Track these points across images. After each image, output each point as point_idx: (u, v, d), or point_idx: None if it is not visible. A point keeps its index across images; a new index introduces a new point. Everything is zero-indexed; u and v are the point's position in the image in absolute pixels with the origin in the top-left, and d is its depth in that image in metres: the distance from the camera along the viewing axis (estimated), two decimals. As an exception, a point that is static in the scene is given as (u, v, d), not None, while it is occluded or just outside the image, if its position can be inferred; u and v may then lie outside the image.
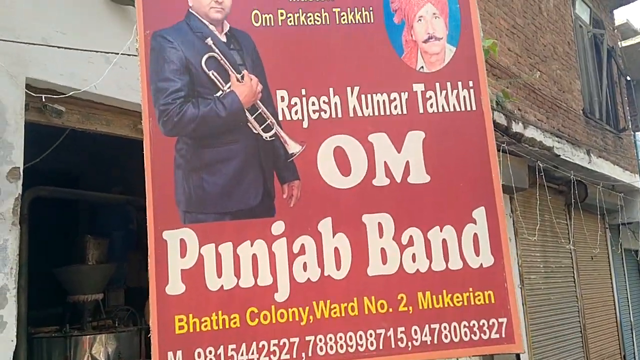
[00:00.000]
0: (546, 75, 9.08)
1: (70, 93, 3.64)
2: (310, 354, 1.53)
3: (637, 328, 13.16)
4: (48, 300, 7.29)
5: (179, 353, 1.51)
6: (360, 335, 1.54)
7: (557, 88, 9.34)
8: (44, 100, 3.63)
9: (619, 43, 11.97)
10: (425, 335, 1.55)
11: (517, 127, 7.44)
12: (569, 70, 9.90)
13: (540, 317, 9.00)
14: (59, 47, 3.71)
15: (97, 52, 3.85)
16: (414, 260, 1.58)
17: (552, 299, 9.51)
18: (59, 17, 3.76)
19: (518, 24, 8.63)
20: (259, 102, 1.63)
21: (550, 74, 9.24)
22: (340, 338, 1.54)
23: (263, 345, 1.52)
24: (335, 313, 1.55)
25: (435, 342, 1.55)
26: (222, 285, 1.54)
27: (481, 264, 1.59)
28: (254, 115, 1.62)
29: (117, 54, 3.74)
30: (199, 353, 1.51)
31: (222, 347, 1.52)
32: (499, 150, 6.99)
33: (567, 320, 9.94)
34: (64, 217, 8.14)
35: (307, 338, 1.53)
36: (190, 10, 1.63)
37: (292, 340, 1.53)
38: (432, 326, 1.55)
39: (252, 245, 1.56)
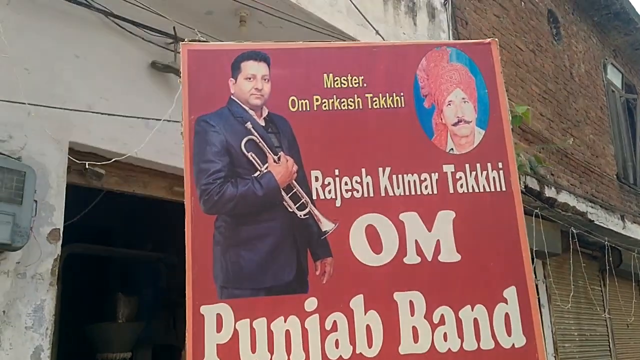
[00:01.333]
0: (579, 139, 9.08)
1: (113, 159, 3.79)
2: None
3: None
4: (78, 358, 7.33)
5: None
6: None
7: (590, 153, 9.32)
8: (87, 166, 3.79)
9: (652, 107, 11.94)
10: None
11: (550, 192, 7.41)
12: (602, 135, 9.89)
13: (576, 388, 8.70)
14: (102, 114, 3.89)
15: (138, 118, 4.03)
16: (445, 340, 1.60)
17: (587, 370, 9.21)
18: (103, 84, 3.96)
19: (550, 89, 8.71)
20: (294, 181, 1.70)
21: (583, 138, 9.25)
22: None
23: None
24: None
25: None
26: (255, 362, 1.58)
27: (513, 344, 1.60)
28: (290, 195, 1.69)
29: (159, 120, 3.90)
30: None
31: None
32: (531, 215, 6.94)
33: (604, 391, 9.58)
34: (96, 274, 8.27)
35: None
36: (232, 97, 1.73)
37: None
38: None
39: (285, 322, 1.60)
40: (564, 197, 7.64)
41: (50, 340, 3.66)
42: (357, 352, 1.58)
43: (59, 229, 3.74)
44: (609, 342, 9.86)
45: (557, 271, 8.43)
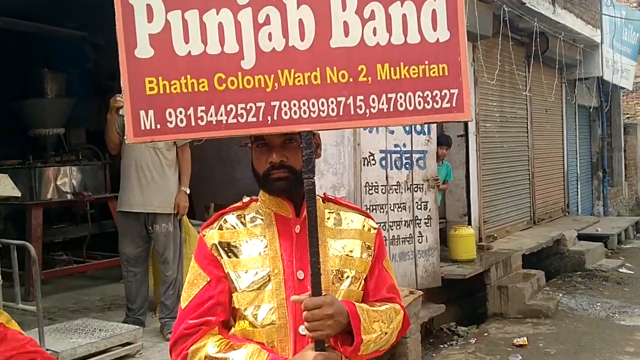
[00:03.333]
0: None
1: None
2: (275, 117, 1.62)
3: (582, 181, 13.94)
4: (9, 136, 7.28)
5: (151, 112, 1.59)
6: (322, 102, 1.64)
7: None
8: None
9: None
10: (383, 104, 1.66)
11: (485, -31, 7.32)
12: None
13: (492, 164, 9.43)
14: None
15: None
16: (374, 34, 1.65)
17: (504, 147, 9.92)
18: None
19: None
20: None
21: None
22: (304, 104, 1.63)
23: (231, 109, 1.61)
24: (299, 81, 1.63)
25: (392, 109, 1.66)
26: (189, 51, 1.59)
27: (437, 39, 1.67)
28: None
29: None
30: (169, 113, 1.60)
31: (192, 108, 1.60)
32: (465, -7, 6.93)
33: (517, 168, 10.44)
34: (20, 50, 7.91)
35: (273, 103, 1.62)
36: None
37: (258, 104, 1.62)
38: (389, 95, 1.66)
39: (217, 14, 1.60)
40: (499, -24, 7.58)
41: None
42: (290, 44, 1.62)
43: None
44: (527, 124, 10.56)
45: (486, 54, 8.66)
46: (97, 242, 7.17)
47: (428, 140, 6.60)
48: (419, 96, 1.68)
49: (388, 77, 1.67)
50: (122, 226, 5.00)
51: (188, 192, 4.98)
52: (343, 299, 1.71)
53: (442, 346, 6.61)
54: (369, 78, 1.66)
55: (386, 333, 1.75)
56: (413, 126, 6.39)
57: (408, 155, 6.44)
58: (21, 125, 7.12)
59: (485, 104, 9.14)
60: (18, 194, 3.85)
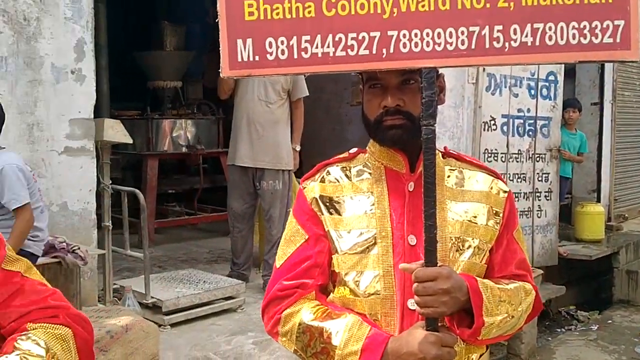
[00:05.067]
0: None
1: None
2: (392, 50, 1.36)
3: None
4: (130, 87, 7.49)
5: (249, 41, 1.38)
6: (450, 33, 1.35)
7: None
8: None
9: None
10: (526, 36, 1.34)
11: None
12: None
13: (628, 137, 8.57)
14: None
15: None
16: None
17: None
18: None
19: None
20: None
21: None
22: (427, 35, 1.35)
23: (340, 38, 1.37)
24: (423, 7, 1.35)
25: (537, 43, 1.33)
26: (296, -31, 1.36)
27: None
28: None
29: None
30: (270, 42, 1.38)
31: (295, 37, 1.37)
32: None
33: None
34: (141, 2, 8.08)
35: (390, 33, 1.36)
36: None
37: (372, 34, 1.36)
38: (535, 26, 1.33)
39: None
40: None
41: (92, 34, 3.57)
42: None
43: None
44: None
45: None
46: (208, 196, 7.28)
47: (553, 107, 6.02)
48: (573, 28, 1.33)
49: (535, 3, 1.33)
50: (231, 181, 4.97)
51: (299, 149, 4.84)
52: (462, 272, 1.44)
53: (559, 330, 6.13)
54: (511, 4, 1.34)
55: (513, 316, 1.46)
56: (539, 90, 5.86)
57: (532, 121, 5.92)
58: (142, 77, 7.29)
59: (624, 70, 8.25)
60: (130, 140, 3.85)
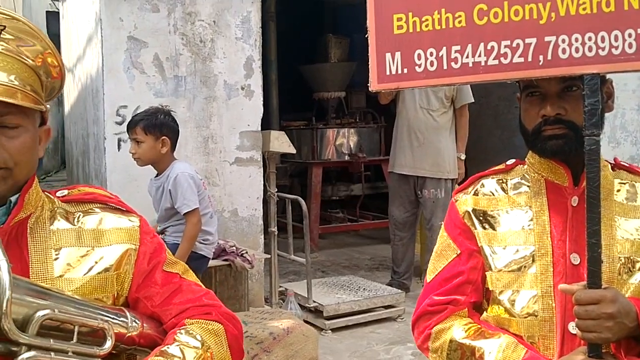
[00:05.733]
0: None
1: None
2: (549, 57, 1.27)
3: None
4: (298, 98, 7.84)
5: (398, 55, 1.38)
6: (616, 36, 1.23)
7: None
8: None
9: None
10: None
11: None
12: None
13: None
14: None
15: None
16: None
17: None
18: None
19: None
20: None
21: None
22: (590, 39, 1.25)
23: (492, 47, 1.31)
24: (584, 9, 1.25)
25: None
26: (445, -21, 1.34)
27: None
28: None
29: None
30: (419, 54, 1.37)
31: (444, 48, 1.34)
32: None
33: None
34: (310, 16, 8.42)
35: (547, 39, 1.27)
36: None
37: (527, 41, 1.29)
38: None
39: None
40: None
41: (259, 52, 3.80)
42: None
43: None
44: None
45: None
46: (370, 203, 7.37)
47: None
48: None
49: None
50: (392, 188, 4.98)
51: (463, 157, 4.73)
52: (632, 296, 1.31)
53: None
54: (690, 1, 1.20)
55: None
56: None
57: None
58: (308, 88, 7.59)
59: None
60: (293, 150, 4.03)
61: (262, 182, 4.02)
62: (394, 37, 1.39)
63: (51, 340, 1.00)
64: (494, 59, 1.32)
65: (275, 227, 4.18)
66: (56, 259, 1.13)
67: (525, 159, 1.52)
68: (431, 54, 1.37)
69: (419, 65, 1.38)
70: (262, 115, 3.93)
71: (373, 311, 4.13)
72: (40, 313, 0.98)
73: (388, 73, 1.40)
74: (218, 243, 3.45)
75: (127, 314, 1.16)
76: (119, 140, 3.53)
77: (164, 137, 3.05)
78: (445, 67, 1.36)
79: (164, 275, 1.23)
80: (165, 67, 3.58)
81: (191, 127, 3.62)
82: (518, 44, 1.31)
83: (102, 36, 3.45)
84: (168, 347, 1.14)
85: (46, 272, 1.11)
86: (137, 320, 1.17)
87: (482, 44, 1.33)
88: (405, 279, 4.86)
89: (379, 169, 7.05)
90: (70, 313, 1.03)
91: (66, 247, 1.14)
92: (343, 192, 7.31)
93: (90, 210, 1.21)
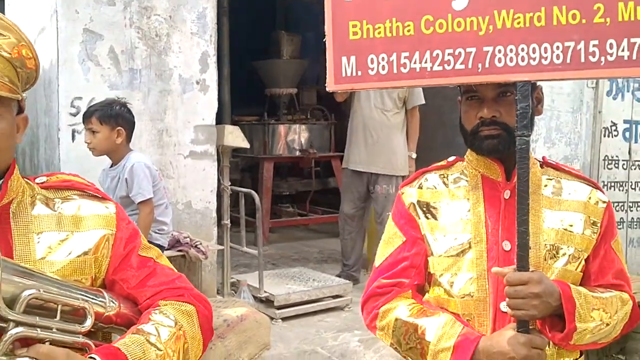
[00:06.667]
0: None
1: None
2: (487, 65, 1.43)
3: None
4: (250, 94, 7.90)
5: (353, 58, 1.51)
6: (545, 48, 1.40)
7: None
8: None
9: None
10: (623, 50, 1.36)
11: None
12: None
13: None
14: None
15: None
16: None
17: None
18: None
19: None
20: None
21: None
22: (522, 50, 1.41)
23: (437, 54, 1.46)
24: (518, 23, 1.41)
25: (634, 57, 1.36)
26: (397, -9, 1.48)
27: None
28: None
29: None
30: (371, 59, 1.50)
31: (395, 54, 1.49)
32: None
33: None
34: (264, 13, 8.50)
35: (485, 49, 1.43)
36: None
37: (468, 50, 1.44)
38: (633, 40, 1.35)
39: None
40: None
41: (215, 47, 3.87)
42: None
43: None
44: None
45: None
46: (320, 198, 7.51)
47: (685, 111, 5.64)
48: (672, 41, 1.35)
49: (632, 18, 1.36)
50: (344, 184, 5.14)
51: (414, 156, 4.93)
52: (557, 278, 1.48)
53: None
54: (607, 19, 1.37)
55: (608, 324, 1.48)
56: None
57: (658, 127, 5.59)
58: (260, 84, 7.66)
59: None
60: (247, 145, 4.13)
61: (216, 176, 4.10)
62: (350, 42, 1.52)
63: (37, 318, 1.08)
64: (438, 65, 1.47)
65: (229, 220, 4.27)
66: (38, 242, 1.20)
67: (465, 156, 1.68)
68: (383, 59, 1.51)
69: (372, 69, 1.51)
70: (216, 110, 4.01)
71: (322, 301, 4.27)
72: (27, 292, 1.06)
73: (344, 75, 1.54)
74: (173, 234, 3.52)
75: (105, 294, 1.25)
76: (73, 131, 3.54)
77: (119, 128, 3.10)
78: (395, 71, 1.50)
79: (140, 259, 1.32)
80: (120, 59, 3.62)
81: (146, 120, 3.67)
82: (460, 53, 1.46)
83: (57, 28, 3.46)
84: (144, 326, 1.22)
85: (29, 255, 1.18)
86: (114, 301, 1.25)
87: (428, 52, 1.48)
88: (354, 270, 5.02)
89: (329, 165, 7.20)
90: (53, 293, 1.11)
91: (47, 232, 1.22)
92: (294, 187, 7.43)
93: (68, 197, 1.29)
